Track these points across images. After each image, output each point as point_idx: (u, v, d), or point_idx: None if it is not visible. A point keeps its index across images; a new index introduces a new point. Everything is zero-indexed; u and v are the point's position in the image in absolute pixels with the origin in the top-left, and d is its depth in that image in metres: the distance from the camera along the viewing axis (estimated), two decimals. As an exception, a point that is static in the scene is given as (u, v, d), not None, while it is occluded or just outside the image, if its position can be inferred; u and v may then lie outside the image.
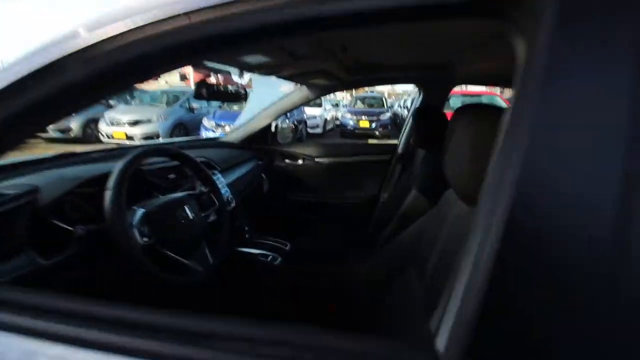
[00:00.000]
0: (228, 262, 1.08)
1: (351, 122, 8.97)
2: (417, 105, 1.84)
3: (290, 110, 1.98)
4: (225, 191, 1.49)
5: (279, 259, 1.32)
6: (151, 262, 0.80)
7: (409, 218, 1.41)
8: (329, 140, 8.27)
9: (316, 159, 2.13)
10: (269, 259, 1.30)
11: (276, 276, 1.26)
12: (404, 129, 2.06)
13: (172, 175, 1.31)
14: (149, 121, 7.08)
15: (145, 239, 0.81)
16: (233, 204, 1.49)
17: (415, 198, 1.39)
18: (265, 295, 1.14)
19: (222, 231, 1.10)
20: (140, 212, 0.84)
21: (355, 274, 1.17)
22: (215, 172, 1.52)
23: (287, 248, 1.42)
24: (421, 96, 1.84)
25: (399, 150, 2.04)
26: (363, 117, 8.89)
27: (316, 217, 2.15)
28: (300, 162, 2.17)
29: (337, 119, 11.15)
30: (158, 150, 0.97)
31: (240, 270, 1.30)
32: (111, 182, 0.77)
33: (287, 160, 2.18)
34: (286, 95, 1.91)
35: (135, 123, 7.01)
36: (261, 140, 2.18)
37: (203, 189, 1.11)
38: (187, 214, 0.94)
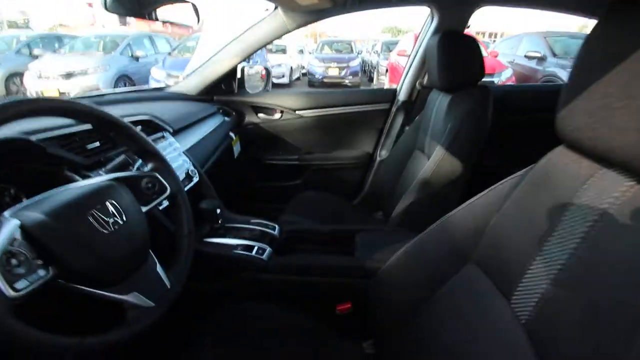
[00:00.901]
0: (195, 270, 0.72)
1: (319, 70, 8.29)
2: (432, 33, 1.44)
3: (262, 47, 1.51)
4: (183, 161, 1.07)
5: (268, 249, 0.97)
6: (39, 318, 0.43)
7: (428, 185, 1.10)
8: (311, 89, 7.58)
9: (297, 112, 1.72)
10: (254, 251, 0.95)
11: (272, 284, 0.93)
12: (406, 68, 1.67)
13: (93, 145, 0.87)
14: (84, 73, 6.01)
15: (26, 282, 0.42)
16: (195, 179, 1.08)
17: (438, 161, 1.06)
18: (262, 320, 0.81)
19: (182, 227, 0.72)
20: (10, 225, 0.43)
21: (373, 267, 0.87)
22: (166, 134, 1.08)
23: (275, 232, 1.08)
24: (434, 22, 1.43)
25: (400, 96, 1.67)
26: (332, 64, 8.22)
27: (302, 184, 1.79)
28: (277, 116, 1.74)
29: (302, 67, 10.34)
30: (40, 107, 0.51)
31: (214, 280, 0.94)
32: None
33: (260, 115, 1.75)
34: (254, 25, 1.42)
35: (69, 75, 5.92)
36: (225, 91, 1.70)
37: (143, 165, 0.70)
38: (113, 213, 0.54)
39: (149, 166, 0.70)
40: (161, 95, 1.53)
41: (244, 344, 0.75)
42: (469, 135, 1.04)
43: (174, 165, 1.01)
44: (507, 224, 0.56)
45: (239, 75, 1.73)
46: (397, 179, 1.36)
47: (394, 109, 1.68)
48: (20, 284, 0.41)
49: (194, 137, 1.26)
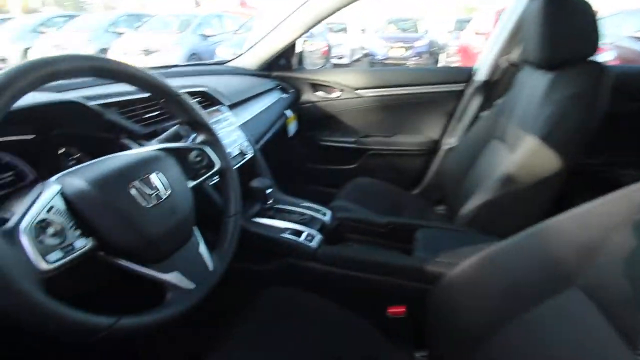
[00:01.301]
0: (240, 249, 0.67)
1: (381, 51, 7.88)
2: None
3: (324, 19, 1.40)
4: (237, 137, 1.03)
5: (317, 236, 0.90)
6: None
7: (511, 182, 0.93)
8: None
9: (357, 91, 1.59)
10: (303, 237, 0.89)
11: (318, 274, 0.86)
12: (490, 41, 1.43)
13: (152, 114, 0.85)
14: (160, 50, 6.44)
15: (61, 253, 0.39)
16: (248, 155, 1.04)
17: (527, 154, 0.88)
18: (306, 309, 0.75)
19: (229, 207, 0.67)
20: (49, 191, 0.41)
21: (436, 272, 0.75)
22: (221, 108, 1.05)
23: (327, 219, 1.00)
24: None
25: (478, 75, 1.46)
26: (396, 43, 7.75)
27: (357, 169, 1.69)
28: (336, 94, 1.63)
29: (363, 48, 9.96)
30: (92, 66, 0.48)
31: (258, 261, 0.90)
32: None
33: (318, 93, 1.66)
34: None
35: (147, 52, 6.40)
36: (284, 66, 1.64)
37: (195, 138, 0.66)
38: (156, 185, 0.50)
39: (199, 139, 0.65)
40: (220, 69, 1.52)
41: (284, 330, 0.70)
42: (574, 124, 0.84)
43: (227, 140, 0.98)
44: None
45: (298, 50, 1.65)
46: (468, 171, 1.19)
47: (469, 91, 1.47)
48: (53, 256, 0.38)
49: (249, 112, 1.21)
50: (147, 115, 0.84)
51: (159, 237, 0.48)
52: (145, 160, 0.51)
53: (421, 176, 1.66)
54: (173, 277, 0.50)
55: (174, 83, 0.95)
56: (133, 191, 0.47)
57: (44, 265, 0.36)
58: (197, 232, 0.58)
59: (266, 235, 0.89)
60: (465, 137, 1.37)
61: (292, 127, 1.58)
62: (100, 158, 0.50)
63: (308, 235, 0.91)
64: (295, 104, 1.64)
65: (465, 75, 1.49)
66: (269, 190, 0.95)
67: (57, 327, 0.36)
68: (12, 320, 0.34)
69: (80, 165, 0.46)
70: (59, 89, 0.73)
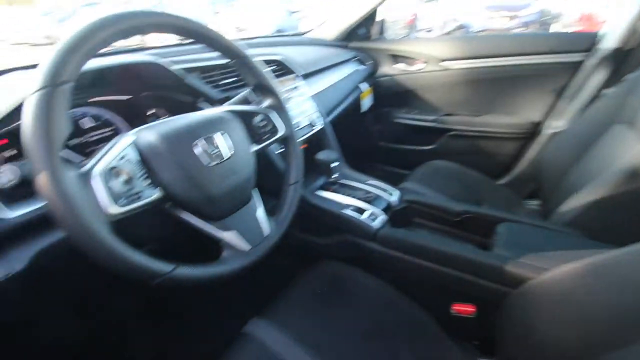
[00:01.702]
0: (300, 220, 0.66)
1: (478, 22, 6.98)
2: None
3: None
4: (307, 107, 1.01)
5: (381, 216, 0.84)
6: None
7: (637, 176, 0.73)
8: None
9: (443, 62, 1.42)
10: (366, 215, 0.84)
11: (378, 256, 0.81)
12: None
13: (229, 80, 0.88)
14: (250, 28, 6.77)
15: (129, 200, 0.41)
16: (318, 127, 1.01)
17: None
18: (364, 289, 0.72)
19: (289, 175, 0.65)
20: (124, 141, 0.43)
21: (521, 275, 0.63)
22: (294, 77, 1.03)
23: (394, 199, 0.93)
24: None
25: (606, 42, 1.16)
26: (498, 12, 6.78)
27: (435, 150, 1.54)
28: (418, 67, 1.49)
29: (455, 19, 8.95)
30: (171, 23, 0.49)
31: (316, 234, 0.88)
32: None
33: (398, 65, 1.53)
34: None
35: (240, 29, 6.80)
36: (362, 37, 1.55)
37: (262, 103, 0.65)
38: (219, 146, 0.50)
39: (265, 103, 0.64)
40: (298, 40, 1.50)
41: (337, 304, 0.68)
42: None
43: (297, 109, 0.97)
44: None
45: (379, 19, 1.53)
46: (577, 161, 0.97)
47: (590, 62, 1.19)
48: (123, 201, 0.40)
49: (323, 83, 1.18)
50: (224, 82, 0.86)
51: (218, 195, 0.49)
52: (211, 121, 0.52)
53: (511, 164, 1.44)
54: (230, 236, 0.51)
55: (251, 52, 0.97)
56: (197, 149, 0.48)
57: (112, 209, 0.39)
58: (256, 196, 0.58)
59: (327, 209, 0.86)
60: (578, 119, 1.12)
61: (367, 102, 1.50)
62: (174, 117, 0.52)
63: (371, 214, 0.86)
64: (371, 77, 1.55)
65: (586, 42, 1.20)
66: (334, 164, 0.91)
67: (120, 266, 0.38)
68: (83, 254, 0.37)
69: (156, 122, 0.49)
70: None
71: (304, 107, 0.99)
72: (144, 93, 0.77)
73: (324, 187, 0.96)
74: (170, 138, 0.46)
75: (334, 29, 1.52)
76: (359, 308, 0.68)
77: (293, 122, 0.92)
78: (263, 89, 0.63)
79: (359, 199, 0.91)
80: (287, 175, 0.65)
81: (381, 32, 1.58)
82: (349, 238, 0.86)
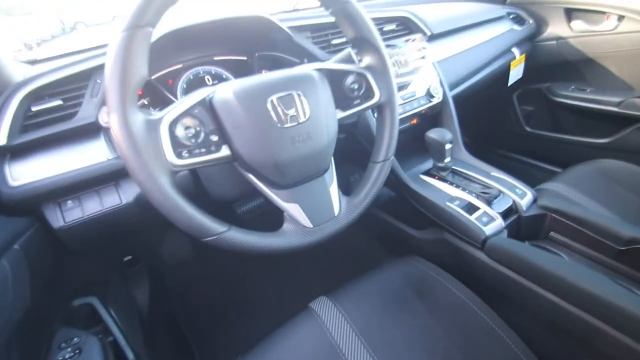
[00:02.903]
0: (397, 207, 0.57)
1: None
2: None
3: None
4: (428, 74, 0.85)
5: (497, 221, 0.66)
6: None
7: None
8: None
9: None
10: (476, 215, 0.66)
11: (481, 270, 0.64)
12: None
13: (340, 40, 0.80)
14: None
15: (194, 152, 0.40)
16: (436, 100, 0.85)
17: None
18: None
19: (378, 151, 0.55)
20: (198, 93, 0.42)
21: None
22: (419, 37, 0.87)
23: (524, 201, 0.70)
24: None
25: None
26: None
27: (611, 146, 1.12)
28: (607, 25, 1.06)
29: None
30: None
31: (410, 225, 0.76)
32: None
33: (575, 24, 1.13)
34: None
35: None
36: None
37: (361, 61, 0.55)
38: (297, 106, 0.45)
39: (364, 62, 0.54)
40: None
41: (411, 311, 0.58)
42: None
43: (413, 75, 0.82)
44: None
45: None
46: None
47: None
48: (185, 154, 0.40)
49: (456, 46, 0.97)
50: (335, 42, 0.79)
51: (287, 161, 0.44)
52: (292, 79, 0.46)
53: None
54: (292, 209, 0.47)
55: (384, 12, 0.86)
56: (269, 106, 0.43)
57: (174, 159, 0.39)
58: (333, 169, 0.51)
59: (428, 198, 0.73)
60: None
61: (516, 73, 1.18)
62: (259, 74, 0.49)
63: (484, 215, 0.68)
64: (529, 41, 1.20)
65: None
66: (448, 146, 0.75)
67: (172, 215, 0.39)
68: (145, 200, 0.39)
69: (240, 78, 0.46)
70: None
71: (422, 73, 0.83)
72: (257, 53, 0.78)
73: (431, 173, 0.81)
74: (244, 93, 0.43)
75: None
76: (438, 318, 0.56)
77: (404, 91, 0.79)
78: (363, 43, 0.53)
79: (472, 193, 0.73)
80: (375, 151, 0.55)
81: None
82: (449, 238, 0.71)
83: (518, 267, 0.59)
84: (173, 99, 0.68)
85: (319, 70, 0.50)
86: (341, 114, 0.52)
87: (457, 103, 0.97)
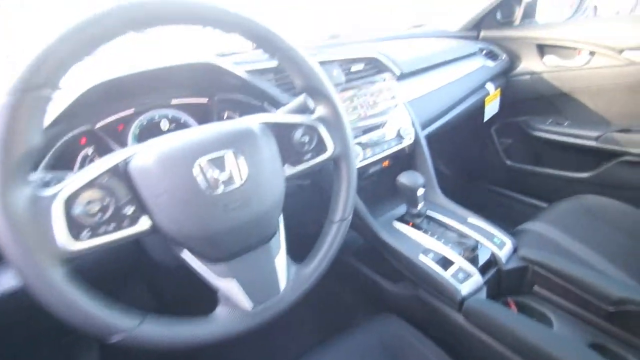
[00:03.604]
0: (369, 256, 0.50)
1: None
2: None
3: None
4: (398, 114, 0.81)
5: (475, 277, 0.59)
6: None
7: None
8: None
9: (624, 53, 0.96)
10: (452, 271, 0.60)
11: (460, 333, 0.57)
12: None
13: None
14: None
15: (99, 232, 0.34)
16: (407, 141, 0.81)
17: None
18: None
19: (334, 209, 0.49)
20: (116, 156, 0.36)
21: None
22: (387, 76, 0.84)
23: (504, 252, 0.65)
24: None
25: None
26: None
27: (592, 181, 1.09)
28: (579, 61, 1.06)
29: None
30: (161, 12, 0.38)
31: (381, 276, 0.69)
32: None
33: (548, 59, 1.13)
34: None
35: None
36: (500, 22, 1.20)
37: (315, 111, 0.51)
38: (231, 168, 0.38)
39: (315, 112, 0.49)
40: (417, 34, 1.27)
41: None
42: None
43: (382, 117, 0.78)
44: None
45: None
46: None
47: None
48: (87, 234, 0.33)
49: (427, 85, 0.94)
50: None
51: (219, 232, 0.38)
52: (227, 135, 0.40)
53: None
54: (228, 286, 0.40)
55: (351, 52, 0.83)
56: (196, 170, 0.37)
57: (72, 244, 0.32)
58: (280, 234, 0.45)
59: (398, 251, 0.66)
60: None
61: (492, 108, 1.16)
62: (184, 130, 0.43)
63: (460, 270, 0.62)
64: (503, 76, 1.19)
65: None
66: (420, 191, 0.70)
67: (69, 316, 0.32)
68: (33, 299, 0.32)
69: (158, 138, 0.41)
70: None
71: (392, 114, 0.80)
72: (217, 96, 0.74)
73: (404, 219, 0.75)
74: (165, 157, 0.37)
75: (461, 15, 1.24)
76: None
77: (373, 133, 0.74)
78: (312, 92, 0.48)
79: (448, 243, 0.67)
80: (332, 209, 0.49)
81: (528, 13, 1.19)
82: (424, 296, 0.65)
83: (499, 335, 0.52)
84: (118, 148, 0.63)
85: (264, 123, 0.45)
86: (290, 171, 0.46)
87: (434, 139, 0.93)
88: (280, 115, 0.47)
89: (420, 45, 1.06)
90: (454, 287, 0.59)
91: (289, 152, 0.46)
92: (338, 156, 0.49)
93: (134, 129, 0.68)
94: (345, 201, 0.49)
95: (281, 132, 0.46)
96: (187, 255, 0.39)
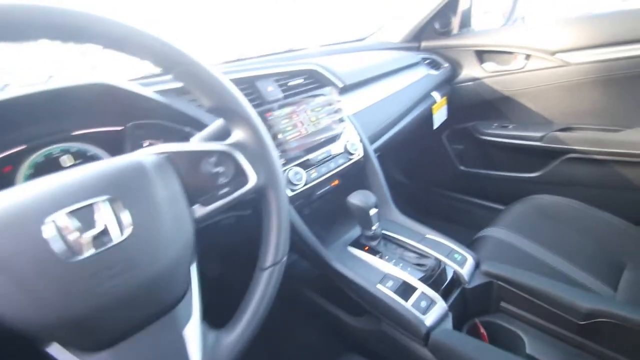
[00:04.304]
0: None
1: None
2: None
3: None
4: (343, 129, 0.75)
5: (439, 304, 0.53)
6: None
7: None
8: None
9: (557, 55, 0.99)
10: (413, 300, 0.54)
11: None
12: None
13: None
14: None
15: None
16: (356, 156, 0.75)
17: None
18: None
19: (264, 253, 0.40)
20: None
21: None
22: (328, 90, 0.78)
23: (465, 270, 0.60)
24: None
25: None
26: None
27: (542, 180, 1.10)
28: (517, 65, 1.08)
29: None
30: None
31: (342, 309, 0.62)
32: None
33: (487, 65, 1.15)
34: None
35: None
36: (439, 32, 1.22)
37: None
38: (104, 222, 0.28)
39: (232, 137, 0.41)
40: (358, 47, 1.25)
41: None
42: None
43: (326, 133, 0.72)
44: None
45: (463, 6, 1.18)
46: None
47: None
48: None
49: (372, 96, 0.90)
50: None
51: (87, 312, 0.28)
52: (98, 178, 0.30)
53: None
54: None
55: (287, 66, 0.77)
56: (49, 231, 0.27)
57: None
58: (193, 295, 0.35)
59: (354, 282, 0.59)
60: None
61: (440, 115, 1.16)
62: (50, 175, 0.32)
63: (422, 297, 0.55)
64: (448, 84, 1.20)
65: None
66: (373, 211, 0.63)
67: None
68: None
69: (13, 188, 0.30)
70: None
71: (337, 129, 0.74)
72: (130, 123, 0.63)
73: (359, 243, 0.68)
74: (6, 216, 0.27)
75: (401, 26, 1.24)
76: None
77: (318, 151, 0.68)
78: (225, 113, 0.40)
79: (407, 267, 0.61)
80: (261, 252, 0.40)
81: (465, 22, 1.22)
82: (387, 330, 0.57)
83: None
84: None
85: (160, 155, 0.36)
86: (202, 211, 0.37)
87: (388, 150, 0.88)
88: (184, 144, 0.38)
89: (361, 58, 1.03)
90: (418, 319, 0.52)
91: (200, 188, 0.37)
92: (263, 187, 0.40)
93: (24, 169, 0.55)
94: (277, 240, 0.40)
95: (187, 164, 0.37)
96: (54, 350, 0.28)
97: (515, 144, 1.11)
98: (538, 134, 1.06)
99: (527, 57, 1.05)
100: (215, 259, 0.78)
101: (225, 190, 0.38)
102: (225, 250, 0.71)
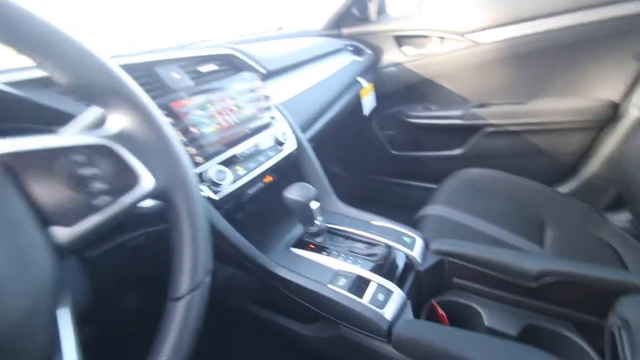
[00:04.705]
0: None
1: None
2: None
3: None
4: (271, 120, 0.67)
5: (396, 294, 0.49)
6: None
7: None
8: None
9: (467, 36, 1.05)
10: (369, 295, 0.49)
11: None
12: None
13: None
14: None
15: None
16: (290, 148, 0.67)
17: None
18: None
19: (176, 281, 0.30)
20: None
21: None
22: (250, 76, 0.69)
23: (416, 252, 0.57)
24: None
25: None
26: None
27: (466, 155, 1.16)
28: (432, 48, 1.12)
29: None
30: None
31: (293, 319, 0.55)
32: None
33: (406, 49, 1.17)
34: None
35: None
36: (358, 19, 1.21)
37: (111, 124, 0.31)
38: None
39: (108, 124, 0.30)
40: (279, 35, 1.17)
41: None
42: None
43: (251, 123, 0.63)
44: None
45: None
46: None
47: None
48: None
49: (300, 83, 0.84)
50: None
51: None
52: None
53: (577, 165, 1.04)
54: None
55: (198, 51, 0.65)
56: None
57: None
58: (65, 351, 0.24)
59: (303, 286, 0.52)
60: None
61: (369, 102, 1.14)
62: None
63: (379, 289, 0.50)
64: (372, 70, 1.19)
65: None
66: (314, 204, 0.57)
67: None
68: None
69: None
70: None
71: (264, 120, 0.65)
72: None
73: (304, 242, 0.61)
74: None
75: (321, 13, 1.20)
76: None
77: (242, 144, 0.58)
78: (94, 93, 0.28)
79: (357, 260, 0.55)
80: (172, 278, 0.30)
81: (382, 9, 1.23)
82: (346, 334, 0.51)
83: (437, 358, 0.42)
84: None
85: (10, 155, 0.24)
86: (68, 233, 0.25)
87: (321, 142, 0.82)
88: (28, 140, 0.26)
89: (282, 44, 0.96)
90: (377, 315, 0.47)
91: (63, 200, 0.26)
92: (164, 192, 0.30)
93: None
94: (194, 259, 0.30)
95: (38, 168, 0.25)
96: None
97: (440, 124, 1.15)
98: (458, 112, 1.11)
99: (442, 39, 1.09)
100: (129, 290, 0.64)
101: (103, 199, 0.27)
102: (142, 278, 0.58)
